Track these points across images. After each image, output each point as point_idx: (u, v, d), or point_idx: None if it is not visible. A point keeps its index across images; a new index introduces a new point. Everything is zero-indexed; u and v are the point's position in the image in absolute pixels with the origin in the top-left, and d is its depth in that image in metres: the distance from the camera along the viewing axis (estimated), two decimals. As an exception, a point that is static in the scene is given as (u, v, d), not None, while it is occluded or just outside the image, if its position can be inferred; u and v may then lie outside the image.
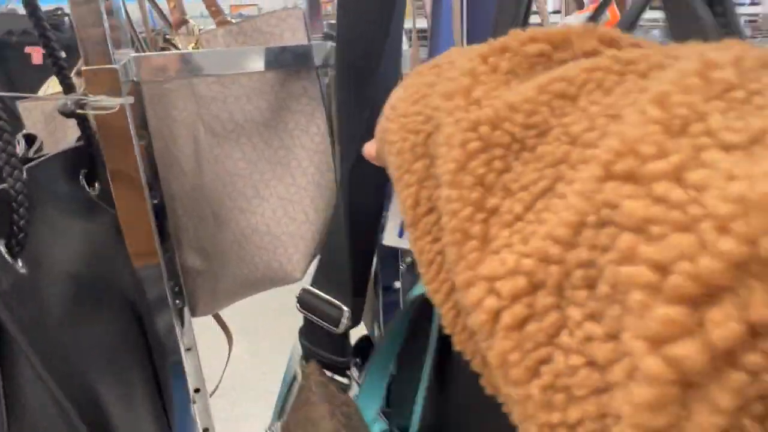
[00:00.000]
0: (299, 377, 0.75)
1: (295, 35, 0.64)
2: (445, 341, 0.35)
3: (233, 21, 0.70)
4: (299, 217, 0.67)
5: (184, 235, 0.68)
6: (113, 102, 0.46)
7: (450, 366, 0.36)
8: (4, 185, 0.40)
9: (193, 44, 0.66)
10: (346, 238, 0.48)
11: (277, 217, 0.66)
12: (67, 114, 0.46)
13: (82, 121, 0.55)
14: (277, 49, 0.60)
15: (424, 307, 0.38)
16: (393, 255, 0.67)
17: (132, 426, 0.46)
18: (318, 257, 0.67)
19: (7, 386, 0.39)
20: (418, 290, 0.38)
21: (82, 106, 0.46)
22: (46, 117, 0.68)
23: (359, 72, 0.46)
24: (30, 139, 0.57)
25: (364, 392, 0.45)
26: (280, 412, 0.74)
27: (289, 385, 0.75)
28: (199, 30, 0.68)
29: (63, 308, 0.43)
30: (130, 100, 0.47)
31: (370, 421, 0.44)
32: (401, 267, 0.65)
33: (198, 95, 0.66)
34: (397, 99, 0.30)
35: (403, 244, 0.55)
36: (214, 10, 0.71)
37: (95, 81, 0.45)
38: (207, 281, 0.71)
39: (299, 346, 0.76)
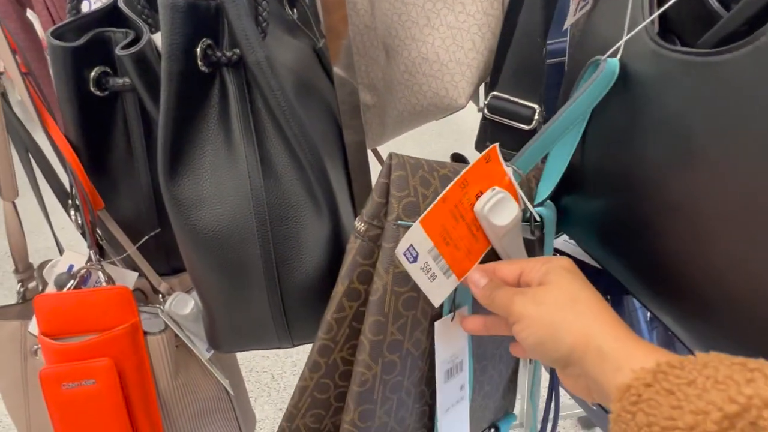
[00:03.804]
0: None
1: None
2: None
3: None
4: (467, 45, 0.70)
5: (356, 75, 0.74)
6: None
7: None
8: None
9: None
10: (541, 40, 0.51)
11: (446, 45, 0.70)
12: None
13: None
14: None
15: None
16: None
17: (340, 192, 0.55)
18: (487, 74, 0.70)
19: (260, 150, 0.48)
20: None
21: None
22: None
23: None
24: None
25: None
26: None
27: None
28: None
29: (292, 89, 0.51)
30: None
31: None
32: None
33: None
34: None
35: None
36: None
37: None
38: (376, 115, 0.77)
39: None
